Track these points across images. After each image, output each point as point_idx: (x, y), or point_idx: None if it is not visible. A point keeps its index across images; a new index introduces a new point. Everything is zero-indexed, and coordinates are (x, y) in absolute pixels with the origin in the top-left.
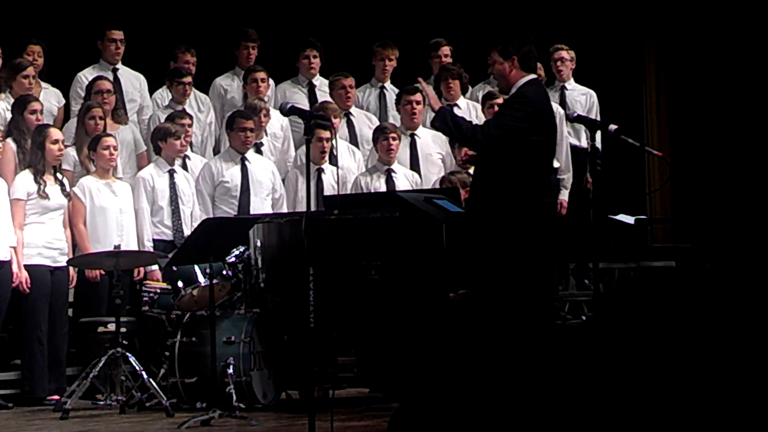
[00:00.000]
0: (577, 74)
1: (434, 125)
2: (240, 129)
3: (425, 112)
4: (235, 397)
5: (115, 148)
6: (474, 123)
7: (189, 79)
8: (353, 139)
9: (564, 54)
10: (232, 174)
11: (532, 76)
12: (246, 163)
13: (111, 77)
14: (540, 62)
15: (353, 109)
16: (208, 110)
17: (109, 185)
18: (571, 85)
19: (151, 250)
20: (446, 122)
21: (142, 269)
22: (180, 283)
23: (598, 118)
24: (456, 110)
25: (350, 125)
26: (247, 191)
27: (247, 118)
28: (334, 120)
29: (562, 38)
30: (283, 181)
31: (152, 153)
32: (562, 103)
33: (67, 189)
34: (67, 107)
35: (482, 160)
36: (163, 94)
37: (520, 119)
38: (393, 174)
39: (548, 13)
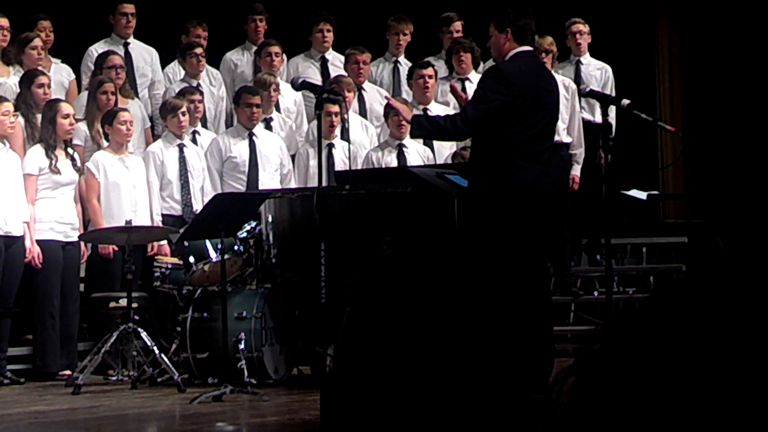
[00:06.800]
0: (590, 48)
1: (413, 135)
2: (246, 104)
3: (437, 86)
4: (246, 373)
5: (131, 123)
6: (448, 115)
7: (200, 50)
8: (363, 114)
9: (581, 27)
10: (239, 149)
11: (525, 48)
12: (254, 138)
13: (122, 51)
14: (553, 36)
15: (366, 84)
16: (220, 85)
17: (123, 160)
18: (586, 59)
19: (159, 224)
20: (423, 126)
21: (155, 244)
22: (191, 259)
23: (614, 93)
24: (468, 84)
25: (361, 100)
26: (255, 167)
27: (253, 94)
28: (347, 94)
29: (576, 12)
30: (294, 156)
31: (161, 128)
32: (578, 78)
33: (78, 164)
34: (78, 81)
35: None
36: (175, 69)
37: (496, 93)
38: (404, 149)
39: None
